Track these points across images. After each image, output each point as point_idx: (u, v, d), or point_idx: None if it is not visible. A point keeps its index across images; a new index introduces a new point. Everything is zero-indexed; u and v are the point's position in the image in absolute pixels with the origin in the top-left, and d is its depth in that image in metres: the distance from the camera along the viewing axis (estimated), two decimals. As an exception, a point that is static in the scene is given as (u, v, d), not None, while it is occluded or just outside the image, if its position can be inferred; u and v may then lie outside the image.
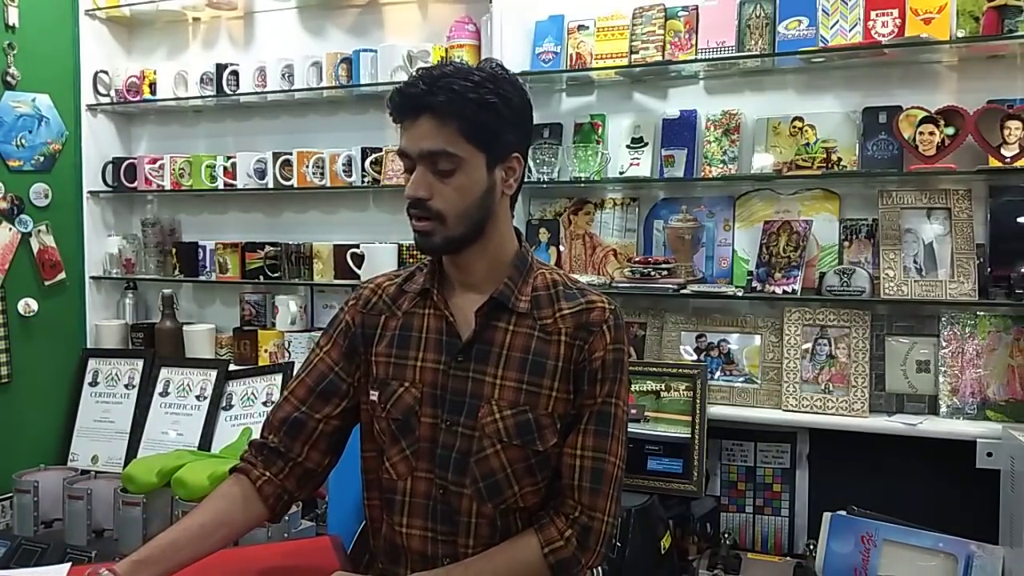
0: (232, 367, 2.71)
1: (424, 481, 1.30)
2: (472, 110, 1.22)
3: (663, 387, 2.17)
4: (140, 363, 2.79)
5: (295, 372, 1.43)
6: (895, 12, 2.04)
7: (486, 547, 1.29)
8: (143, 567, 1.25)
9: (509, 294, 1.30)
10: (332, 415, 1.37)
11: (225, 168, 2.79)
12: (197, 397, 2.65)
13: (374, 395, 1.34)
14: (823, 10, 2.10)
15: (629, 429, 2.11)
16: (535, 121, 2.53)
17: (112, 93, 2.95)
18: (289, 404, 1.38)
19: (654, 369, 2.21)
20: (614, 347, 1.30)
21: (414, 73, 1.30)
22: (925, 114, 2.01)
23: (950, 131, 1.99)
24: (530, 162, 2.36)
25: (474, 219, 1.26)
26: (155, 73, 2.88)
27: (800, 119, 2.20)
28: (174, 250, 2.91)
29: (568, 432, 1.30)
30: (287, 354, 2.66)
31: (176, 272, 2.90)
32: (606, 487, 1.29)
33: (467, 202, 1.25)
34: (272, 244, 2.75)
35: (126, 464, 2.48)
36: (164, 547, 1.28)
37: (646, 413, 2.16)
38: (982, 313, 2.03)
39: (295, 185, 2.67)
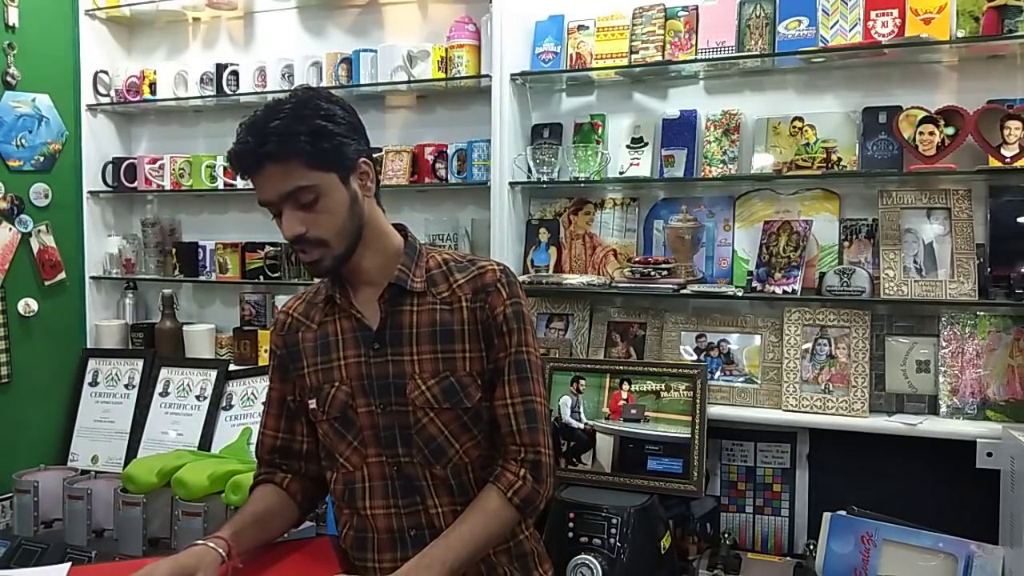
0: (232, 367, 2.71)
1: (376, 465, 1.43)
2: (306, 142, 1.30)
3: (663, 387, 2.17)
4: (140, 363, 2.79)
5: (263, 411, 1.59)
6: (895, 12, 2.04)
7: (451, 506, 1.42)
8: (239, 537, 1.41)
9: (405, 278, 1.43)
10: (306, 433, 1.54)
11: (225, 168, 2.79)
12: (197, 397, 2.65)
13: (312, 403, 1.48)
14: (823, 10, 2.10)
15: (629, 429, 2.14)
16: (535, 121, 2.57)
17: (112, 93, 2.95)
18: (268, 436, 1.56)
19: (654, 369, 2.20)
20: (511, 301, 1.45)
21: (244, 131, 1.37)
22: (925, 114, 2.00)
23: (950, 131, 1.99)
24: (530, 162, 2.37)
25: (351, 232, 1.38)
26: (155, 73, 2.88)
27: (800, 119, 2.20)
28: (174, 250, 2.91)
29: (493, 387, 1.44)
30: (287, 354, 2.66)
31: (176, 272, 2.90)
32: (540, 424, 1.44)
33: (339, 221, 1.36)
34: (272, 244, 2.75)
35: (126, 464, 2.49)
36: (243, 525, 1.44)
37: (646, 413, 2.16)
38: (982, 313, 2.03)
39: (295, 185, 2.66)
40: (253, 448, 2.44)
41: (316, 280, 1.55)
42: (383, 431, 1.42)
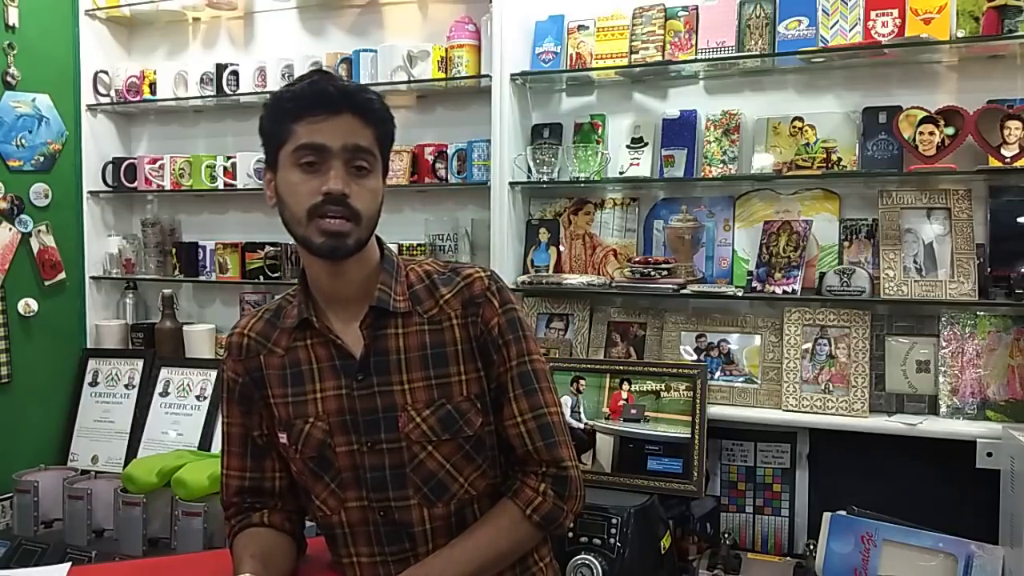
0: (232, 367, 2.70)
1: (356, 510, 1.29)
2: (385, 120, 1.27)
3: (663, 387, 2.17)
4: (140, 363, 2.80)
5: (221, 451, 1.41)
6: (895, 12, 2.04)
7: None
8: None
9: (386, 298, 1.28)
10: (277, 469, 1.37)
11: (225, 168, 2.79)
12: (197, 397, 2.65)
13: (283, 437, 1.32)
14: (823, 10, 2.10)
15: (629, 429, 2.14)
16: (535, 121, 2.57)
17: (112, 93, 2.95)
18: (233, 478, 1.37)
19: (654, 369, 2.20)
20: (504, 309, 1.31)
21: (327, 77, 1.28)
22: (925, 114, 2.01)
23: (950, 131, 1.99)
24: (530, 162, 2.37)
25: (374, 224, 1.27)
26: (155, 73, 2.88)
27: (800, 119, 2.20)
28: (174, 250, 2.91)
29: (500, 407, 1.31)
30: (287, 354, 2.66)
31: (176, 272, 2.90)
32: (559, 436, 1.32)
33: (375, 205, 1.26)
34: (272, 244, 2.75)
35: (126, 464, 2.49)
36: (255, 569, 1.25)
37: (646, 413, 2.16)
38: (982, 313, 2.03)
39: (295, 185, 2.66)
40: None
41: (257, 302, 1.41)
42: (369, 472, 1.27)
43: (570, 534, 1.88)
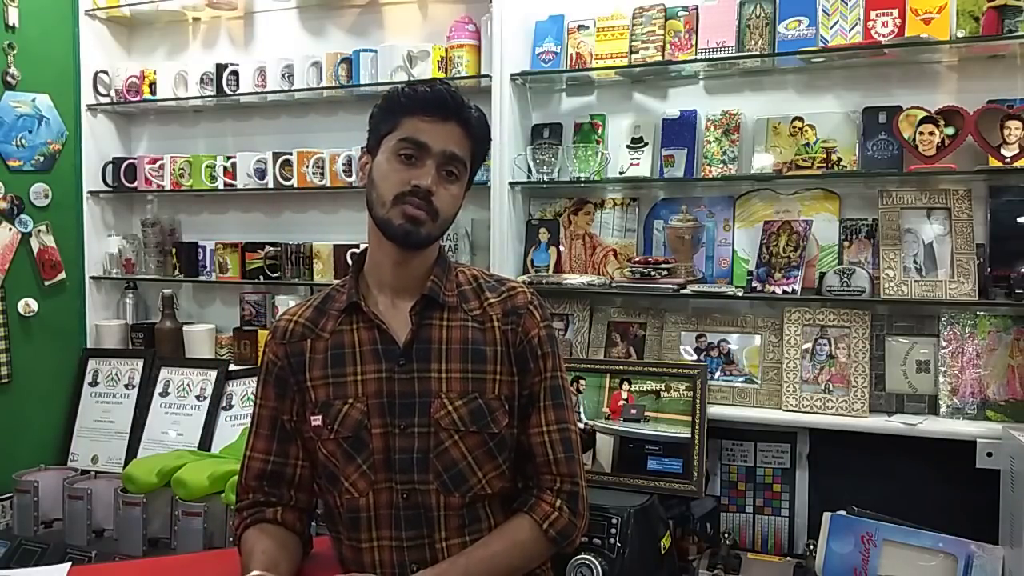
0: (232, 367, 2.71)
1: (385, 492, 1.33)
2: (484, 139, 1.39)
3: (663, 387, 2.17)
4: (140, 363, 2.80)
5: (248, 433, 1.44)
6: (895, 12, 2.04)
7: (460, 539, 1.33)
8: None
9: (438, 290, 1.37)
10: (300, 457, 1.40)
11: (225, 168, 2.79)
12: (197, 397, 2.65)
13: (317, 419, 1.35)
14: (823, 10, 2.10)
15: (629, 429, 2.14)
16: (535, 121, 2.57)
17: (112, 93, 2.95)
18: (256, 460, 1.40)
19: (654, 369, 2.20)
20: (544, 324, 1.41)
21: (430, 79, 1.43)
22: (925, 114, 2.01)
23: (950, 131, 1.99)
24: (530, 162, 2.37)
25: (446, 228, 1.37)
26: (155, 73, 2.88)
27: (800, 119, 2.20)
28: (174, 250, 2.92)
29: (527, 414, 1.38)
30: (287, 354, 2.66)
31: (176, 272, 2.90)
32: (576, 453, 1.39)
33: (453, 211, 1.36)
34: (272, 244, 2.75)
35: (126, 464, 2.49)
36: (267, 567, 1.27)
37: (646, 413, 2.16)
38: (982, 313, 2.03)
39: (295, 185, 2.67)
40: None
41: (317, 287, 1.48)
42: (398, 454, 1.32)
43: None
